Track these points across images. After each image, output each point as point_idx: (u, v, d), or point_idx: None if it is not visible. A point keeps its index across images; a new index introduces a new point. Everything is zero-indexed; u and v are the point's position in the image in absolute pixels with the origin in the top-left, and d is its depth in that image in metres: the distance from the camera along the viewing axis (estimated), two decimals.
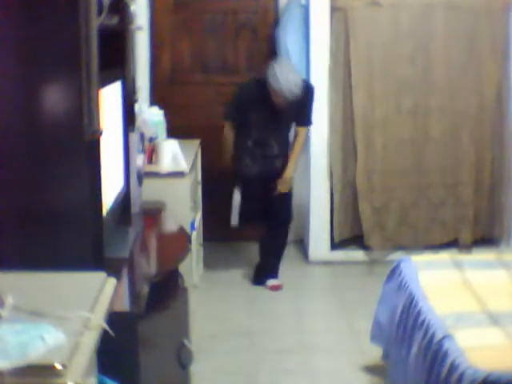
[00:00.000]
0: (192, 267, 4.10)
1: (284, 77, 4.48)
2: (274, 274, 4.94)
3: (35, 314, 1.59)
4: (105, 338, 1.64)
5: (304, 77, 5.21)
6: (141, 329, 2.31)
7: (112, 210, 2.61)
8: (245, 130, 4.74)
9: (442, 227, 5.36)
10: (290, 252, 5.11)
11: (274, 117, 4.70)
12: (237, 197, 4.83)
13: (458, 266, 3.52)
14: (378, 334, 3.61)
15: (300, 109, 4.74)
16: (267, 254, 4.95)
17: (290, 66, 4.71)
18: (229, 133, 4.82)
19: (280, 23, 5.37)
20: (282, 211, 4.89)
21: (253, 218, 4.93)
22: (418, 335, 2.98)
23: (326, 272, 5.28)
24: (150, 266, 2.99)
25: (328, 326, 4.31)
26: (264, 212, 4.89)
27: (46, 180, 2.23)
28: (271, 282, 4.90)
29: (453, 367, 2.59)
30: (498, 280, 3.37)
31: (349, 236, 5.41)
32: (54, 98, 2.21)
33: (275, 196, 4.79)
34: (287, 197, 4.91)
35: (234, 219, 4.86)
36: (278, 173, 4.78)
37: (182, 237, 3.32)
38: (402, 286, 3.41)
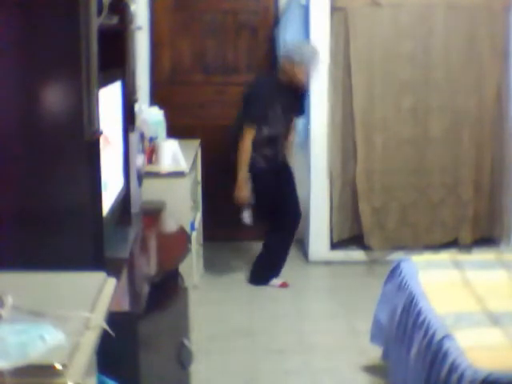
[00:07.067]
0: (192, 267, 4.10)
1: (303, 46, 4.74)
2: (278, 273, 4.93)
3: (35, 314, 1.59)
4: (105, 338, 1.64)
5: None
6: (141, 329, 2.31)
7: (112, 210, 2.61)
8: (257, 130, 4.65)
9: (442, 227, 5.36)
10: (289, 252, 5.10)
11: (284, 112, 4.71)
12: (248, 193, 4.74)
13: (458, 265, 3.52)
14: (377, 333, 3.61)
15: (301, 100, 4.92)
16: (275, 253, 4.89)
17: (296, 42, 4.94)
18: (251, 139, 4.62)
19: (280, 23, 5.37)
20: (293, 208, 4.89)
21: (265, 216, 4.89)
22: (418, 335, 2.98)
23: (325, 272, 5.28)
24: (149, 265, 2.99)
25: (328, 326, 4.31)
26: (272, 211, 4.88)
27: (46, 180, 2.23)
28: (279, 281, 4.87)
29: (453, 367, 2.59)
30: (497, 280, 3.37)
31: (348, 236, 5.41)
32: (54, 98, 2.21)
33: (283, 192, 4.81)
34: (294, 192, 4.93)
35: (247, 216, 4.79)
36: (283, 166, 4.84)
37: (182, 237, 3.32)
38: (402, 286, 3.41)
